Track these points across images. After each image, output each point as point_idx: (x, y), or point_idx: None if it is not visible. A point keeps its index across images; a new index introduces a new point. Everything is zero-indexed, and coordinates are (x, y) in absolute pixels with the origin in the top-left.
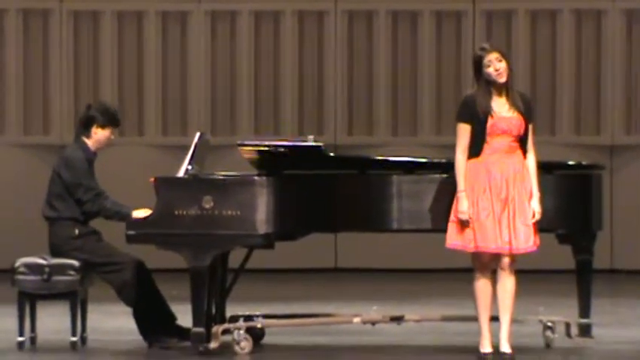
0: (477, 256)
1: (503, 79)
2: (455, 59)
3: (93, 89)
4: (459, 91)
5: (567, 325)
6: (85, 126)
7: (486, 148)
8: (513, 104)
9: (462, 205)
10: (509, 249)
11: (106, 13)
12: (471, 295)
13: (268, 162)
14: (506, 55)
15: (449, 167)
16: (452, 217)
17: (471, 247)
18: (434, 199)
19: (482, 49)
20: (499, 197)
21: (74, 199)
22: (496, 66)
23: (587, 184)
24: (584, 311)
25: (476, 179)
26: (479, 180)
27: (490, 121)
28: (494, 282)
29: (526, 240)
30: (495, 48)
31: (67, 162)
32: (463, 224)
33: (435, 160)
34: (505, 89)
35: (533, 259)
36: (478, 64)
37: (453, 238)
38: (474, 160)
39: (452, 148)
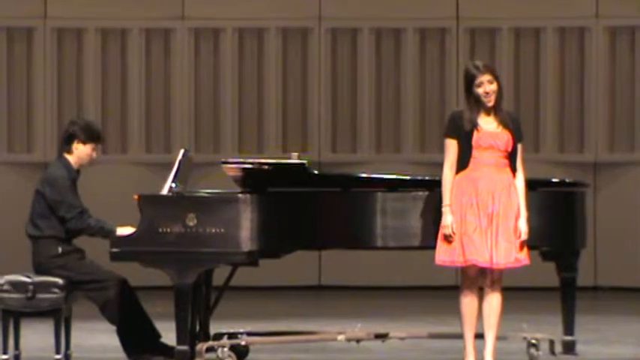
0: (465, 271)
1: (491, 104)
2: (439, 76)
3: (77, 106)
4: (443, 108)
5: (551, 343)
6: (66, 142)
7: (472, 162)
8: (501, 122)
9: (446, 220)
10: (489, 264)
11: (90, 30)
12: (455, 312)
13: (252, 180)
14: (498, 77)
15: (433, 184)
16: (439, 233)
17: (460, 261)
18: (418, 216)
19: (477, 67)
20: (486, 212)
21: (57, 217)
22: (486, 88)
23: (571, 201)
24: (568, 328)
25: (463, 194)
26: (466, 194)
27: (476, 135)
28: (480, 299)
29: (506, 256)
30: (489, 69)
31: (50, 180)
32: (447, 239)
33: (419, 177)
34: (493, 110)
35: (518, 277)
36: (470, 82)
37: (441, 254)
38: (461, 174)
39: (435, 165)
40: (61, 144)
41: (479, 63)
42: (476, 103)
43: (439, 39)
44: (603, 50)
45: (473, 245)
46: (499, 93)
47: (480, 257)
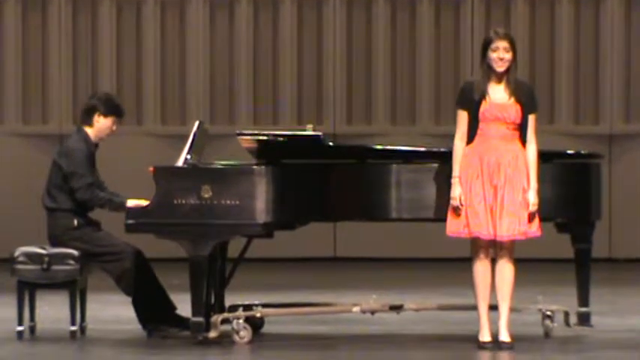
0: (474, 242)
1: (501, 69)
2: (454, 47)
3: (92, 79)
4: (458, 79)
5: (566, 314)
6: (87, 114)
7: (479, 134)
8: (512, 93)
9: (454, 191)
10: (493, 235)
11: (105, 2)
12: (469, 284)
13: (267, 151)
14: (515, 48)
15: (448, 156)
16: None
17: (465, 233)
18: (433, 188)
19: (496, 32)
20: (491, 183)
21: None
22: (500, 54)
23: (586, 173)
24: (583, 300)
25: (469, 165)
26: (472, 166)
27: (483, 107)
28: (493, 271)
29: (509, 228)
30: (508, 37)
31: (66, 151)
32: (455, 210)
33: (434, 149)
34: (505, 78)
35: (533, 248)
36: (486, 46)
37: (450, 225)
38: (469, 146)
39: (451, 136)
40: (82, 116)
41: (500, 30)
42: (487, 71)
43: (454, 10)
44: (618, 20)
45: (477, 218)
46: (513, 64)
47: (484, 230)
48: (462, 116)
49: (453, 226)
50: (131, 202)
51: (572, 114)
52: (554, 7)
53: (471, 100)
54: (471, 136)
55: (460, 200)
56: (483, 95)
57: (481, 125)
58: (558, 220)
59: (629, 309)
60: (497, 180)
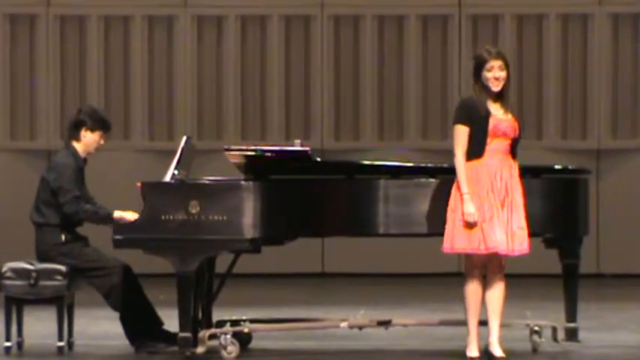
0: (469, 259)
1: (498, 89)
2: (441, 63)
3: (79, 94)
4: (445, 95)
5: (554, 330)
6: (74, 129)
7: (489, 149)
8: (508, 109)
9: (469, 208)
10: (506, 250)
11: (92, 17)
12: (457, 299)
13: (255, 167)
14: (508, 66)
15: (435, 171)
16: (455, 221)
17: (482, 250)
18: (421, 203)
19: (489, 52)
20: (500, 199)
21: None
22: (496, 74)
23: (574, 188)
24: (571, 315)
25: (478, 181)
26: (481, 182)
27: (492, 121)
28: (483, 286)
29: (520, 243)
30: (501, 56)
31: (54, 167)
32: (471, 227)
33: (422, 165)
34: (500, 97)
35: (520, 264)
36: (480, 66)
37: (460, 242)
38: (474, 162)
39: (438, 152)
40: (69, 131)
41: (492, 49)
42: (483, 89)
43: (441, 26)
44: (606, 37)
45: (494, 234)
46: (507, 82)
47: (502, 245)
48: (463, 132)
49: (465, 243)
50: (117, 214)
51: (559, 129)
52: (542, 23)
53: (475, 116)
54: (476, 152)
55: (475, 216)
56: (489, 113)
57: (489, 140)
58: (546, 235)
59: (616, 324)
60: (503, 194)
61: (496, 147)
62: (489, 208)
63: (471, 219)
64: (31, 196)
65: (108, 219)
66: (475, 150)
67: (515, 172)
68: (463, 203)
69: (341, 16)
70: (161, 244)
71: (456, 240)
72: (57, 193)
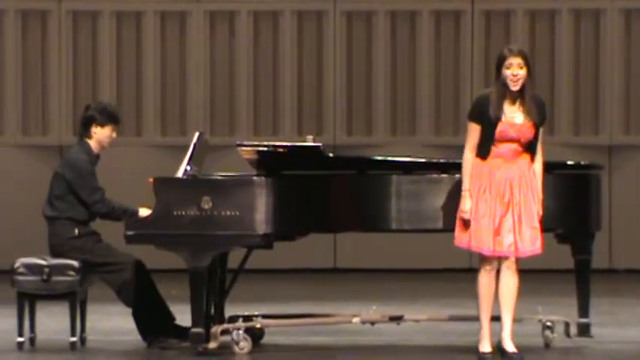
0: (482, 254)
1: (516, 88)
2: (453, 59)
3: (92, 90)
4: (458, 91)
5: (566, 325)
6: (84, 127)
7: (493, 152)
8: (526, 112)
9: (464, 205)
10: (515, 252)
11: (105, 13)
12: (470, 294)
13: (267, 162)
14: (529, 65)
15: (448, 167)
16: (458, 217)
17: (473, 247)
18: (433, 199)
19: (510, 49)
20: (502, 200)
21: (79, 201)
22: (514, 71)
23: (586, 184)
24: (583, 311)
25: (477, 179)
26: (480, 180)
27: (500, 127)
28: (496, 282)
29: (532, 242)
30: (522, 54)
31: (71, 163)
32: (465, 223)
33: (434, 160)
34: (520, 97)
35: (532, 259)
36: (500, 63)
37: (458, 237)
38: (479, 161)
39: (450, 147)
40: (80, 129)
41: (514, 46)
42: (502, 88)
43: (454, 22)
44: (618, 33)
45: (479, 233)
46: (528, 80)
47: (485, 245)
48: (475, 129)
49: (462, 239)
50: (142, 211)
51: (572, 125)
52: (554, 18)
53: (485, 116)
54: (483, 152)
55: (470, 213)
56: (499, 116)
57: (496, 144)
58: (558, 231)
59: (629, 320)
60: (509, 196)
61: (504, 150)
62: (483, 207)
63: (464, 216)
64: (43, 191)
65: (135, 216)
66: (481, 150)
67: (528, 170)
68: (461, 199)
69: (353, 11)
70: (173, 239)
71: (457, 234)
72: (82, 191)
